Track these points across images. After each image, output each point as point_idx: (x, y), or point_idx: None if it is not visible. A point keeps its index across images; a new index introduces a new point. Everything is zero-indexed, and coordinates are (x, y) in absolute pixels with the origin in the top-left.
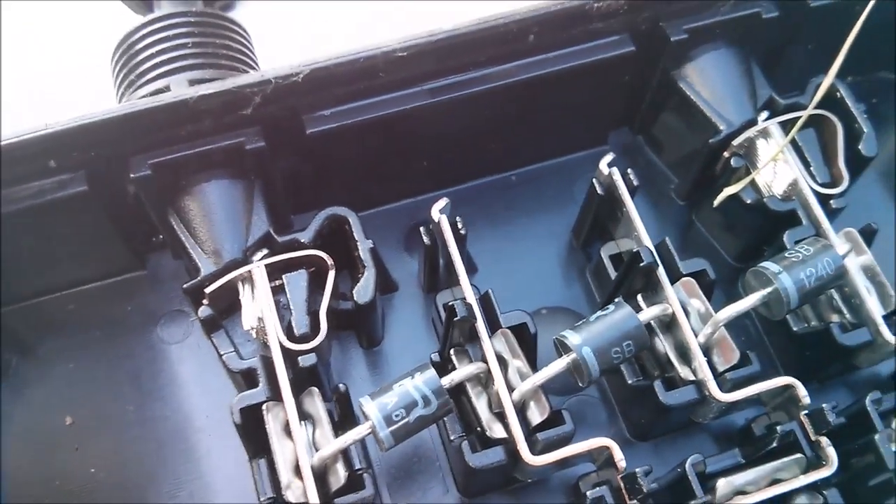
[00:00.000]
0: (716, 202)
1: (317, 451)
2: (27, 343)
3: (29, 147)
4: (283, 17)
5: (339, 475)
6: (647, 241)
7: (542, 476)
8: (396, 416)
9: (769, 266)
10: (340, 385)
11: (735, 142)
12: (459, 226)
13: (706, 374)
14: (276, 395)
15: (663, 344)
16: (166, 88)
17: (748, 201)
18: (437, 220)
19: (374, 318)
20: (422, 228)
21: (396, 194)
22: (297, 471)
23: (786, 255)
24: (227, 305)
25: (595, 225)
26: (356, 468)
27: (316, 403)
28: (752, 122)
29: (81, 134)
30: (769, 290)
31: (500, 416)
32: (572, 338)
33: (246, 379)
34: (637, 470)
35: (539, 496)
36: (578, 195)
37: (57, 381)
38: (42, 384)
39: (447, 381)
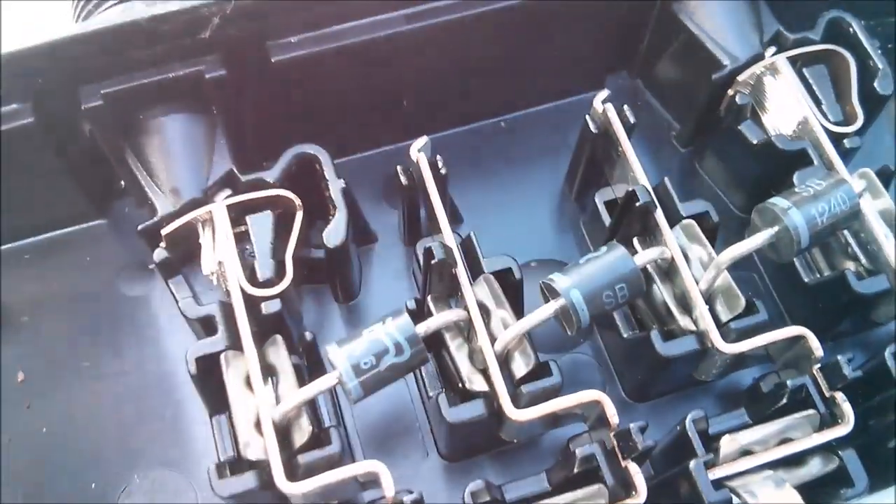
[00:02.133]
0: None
1: None
2: None
3: None
4: None
5: (304, 430)
6: (644, 180)
7: (530, 435)
8: (366, 364)
9: (777, 202)
10: (307, 333)
11: (740, 78)
12: (440, 165)
13: (708, 324)
14: (236, 345)
15: (662, 292)
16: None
17: (754, 141)
18: (416, 161)
19: (349, 267)
20: (399, 168)
21: (377, 140)
22: (258, 427)
23: (795, 190)
24: (189, 250)
25: (589, 170)
26: (325, 425)
27: (280, 353)
28: (759, 58)
29: (26, 59)
30: (777, 228)
31: (483, 371)
32: (560, 281)
33: (204, 327)
34: (631, 426)
35: (527, 459)
36: (572, 142)
37: (9, 335)
38: None
39: (423, 328)
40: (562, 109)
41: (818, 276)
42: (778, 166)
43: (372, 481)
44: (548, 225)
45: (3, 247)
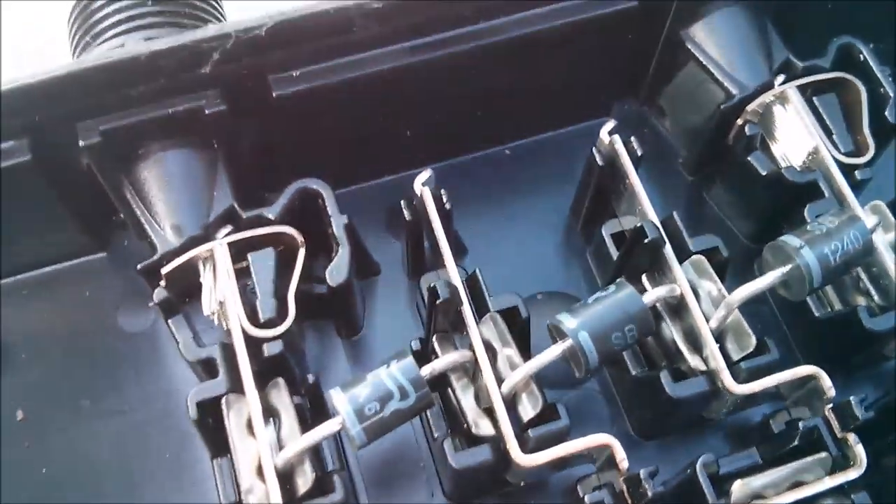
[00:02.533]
0: None
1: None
2: None
3: None
4: None
5: (307, 477)
6: (652, 215)
7: (537, 479)
8: (370, 409)
9: (789, 240)
10: (309, 376)
11: (749, 107)
12: (444, 199)
13: (719, 364)
14: (238, 387)
15: (671, 330)
16: (121, 48)
17: (764, 173)
18: (419, 194)
19: (352, 303)
20: (403, 202)
21: (379, 170)
22: (261, 472)
23: (808, 227)
24: (189, 288)
25: (595, 202)
26: (328, 469)
27: (282, 396)
28: (768, 86)
29: (21, 95)
30: (789, 266)
31: (489, 412)
32: (568, 322)
33: (205, 369)
34: (641, 471)
35: (535, 501)
36: (578, 171)
37: (8, 372)
38: None
39: (427, 370)
40: (568, 136)
41: (829, 310)
42: (787, 198)
43: None
44: (553, 255)
45: (1, 282)
